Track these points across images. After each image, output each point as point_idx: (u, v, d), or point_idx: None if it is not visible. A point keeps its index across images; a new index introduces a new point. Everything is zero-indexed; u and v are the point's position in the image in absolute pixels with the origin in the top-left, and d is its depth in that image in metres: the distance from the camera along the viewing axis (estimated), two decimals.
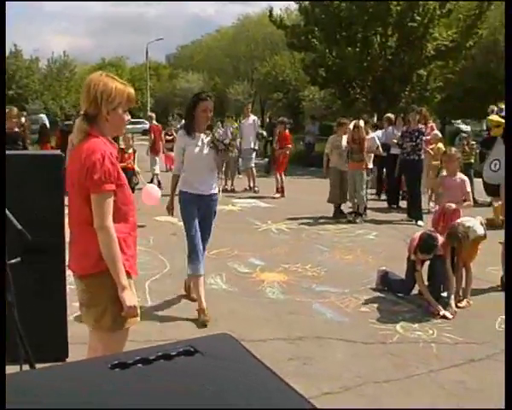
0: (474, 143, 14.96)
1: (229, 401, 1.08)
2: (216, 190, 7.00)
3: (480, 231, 7.49)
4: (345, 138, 13.10)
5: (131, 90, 3.77)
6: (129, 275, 3.69)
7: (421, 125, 12.99)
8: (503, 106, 12.53)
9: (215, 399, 1.09)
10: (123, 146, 12.31)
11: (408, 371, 5.63)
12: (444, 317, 7.06)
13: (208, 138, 6.76)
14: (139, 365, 1.18)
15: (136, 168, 12.45)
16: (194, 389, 1.11)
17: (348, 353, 6.10)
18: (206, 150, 6.75)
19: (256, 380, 1.17)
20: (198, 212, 6.86)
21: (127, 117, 3.82)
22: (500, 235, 8.66)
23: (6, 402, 1.07)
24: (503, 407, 5.02)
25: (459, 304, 7.39)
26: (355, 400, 5.10)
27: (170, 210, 7.17)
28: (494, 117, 12.44)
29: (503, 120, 12.00)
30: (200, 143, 6.74)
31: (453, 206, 7.91)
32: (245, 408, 1.07)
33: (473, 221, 7.56)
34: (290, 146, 17.26)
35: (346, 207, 13.46)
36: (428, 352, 6.14)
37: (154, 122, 19.49)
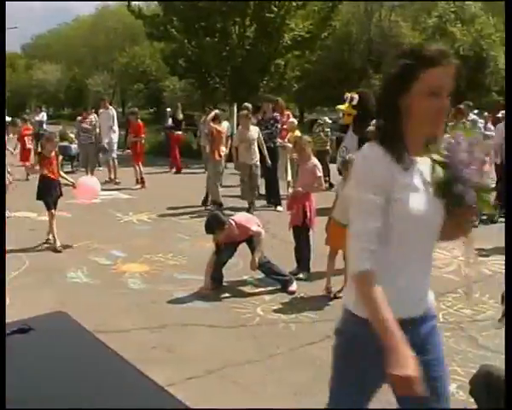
0: (328, 130, 15.47)
1: (61, 374, 1.11)
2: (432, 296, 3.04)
3: None
4: (253, 130, 12.69)
5: None
6: None
7: (276, 114, 13.26)
8: (356, 95, 13.05)
9: (46, 372, 1.11)
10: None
11: (269, 352, 5.82)
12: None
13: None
14: None
15: (63, 175, 10.09)
16: (25, 364, 1.13)
17: (211, 338, 6.20)
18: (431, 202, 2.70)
19: (89, 354, 1.21)
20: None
21: None
22: None
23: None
24: None
25: (338, 294, 7.41)
26: (218, 382, 5.22)
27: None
28: (341, 106, 12.98)
29: (353, 110, 12.58)
30: (421, 183, 2.69)
31: (300, 189, 8.15)
32: (74, 379, 1.10)
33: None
34: (143, 136, 17.07)
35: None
36: (288, 332, 6.37)
37: None
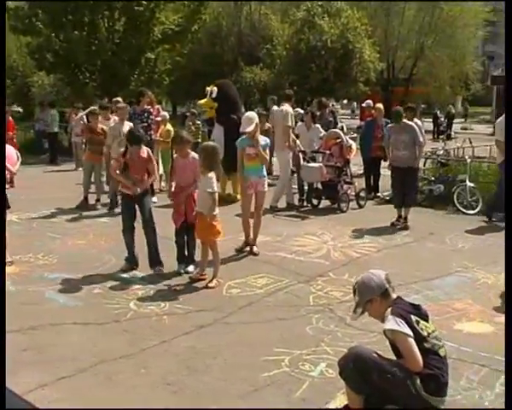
0: (199, 123, 15.51)
1: None
2: None
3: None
4: (126, 125, 11.95)
5: None
6: None
7: (147, 107, 13.13)
8: (215, 88, 13.20)
9: None
10: None
11: (142, 345, 5.82)
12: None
13: None
14: None
15: None
16: None
17: (83, 335, 6.13)
18: None
19: None
20: None
21: None
22: (234, 208, 9.18)
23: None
24: (222, 363, 5.45)
25: (209, 284, 7.56)
26: (91, 380, 5.17)
27: None
28: (202, 101, 13.10)
29: (214, 103, 12.72)
30: None
31: (193, 188, 8.06)
32: None
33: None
34: (11, 133, 16.48)
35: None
36: (161, 324, 6.40)
37: None
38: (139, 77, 24.77)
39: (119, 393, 4.94)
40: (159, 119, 14.19)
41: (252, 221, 9.19)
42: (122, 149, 8.39)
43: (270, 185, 13.21)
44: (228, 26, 40.96)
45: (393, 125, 11.16)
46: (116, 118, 12.71)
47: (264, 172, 9.18)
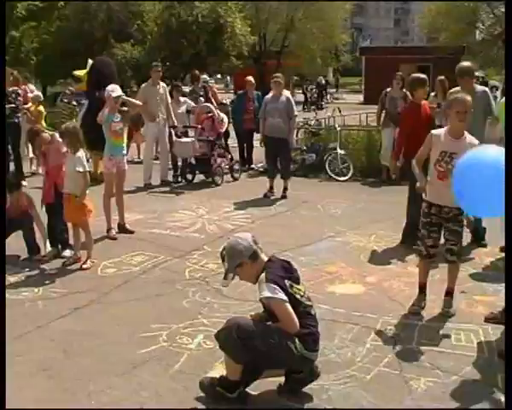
0: (75, 103, 15.16)
1: None
2: None
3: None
4: None
5: None
6: None
7: (15, 87, 12.69)
8: (91, 62, 13.15)
9: None
10: None
11: (16, 332, 5.67)
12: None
13: None
14: None
15: None
16: None
17: None
18: None
19: None
20: None
21: None
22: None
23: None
24: (100, 343, 5.42)
25: (84, 265, 7.46)
26: None
27: None
28: (78, 72, 12.91)
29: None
30: None
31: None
32: None
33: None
34: None
35: None
36: (35, 309, 6.26)
37: None
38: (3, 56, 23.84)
39: None
40: (31, 95, 13.82)
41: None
42: None
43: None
44: (96, 2, 39.83)
45: (270, 95, 11.38)
46: None
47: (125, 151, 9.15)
